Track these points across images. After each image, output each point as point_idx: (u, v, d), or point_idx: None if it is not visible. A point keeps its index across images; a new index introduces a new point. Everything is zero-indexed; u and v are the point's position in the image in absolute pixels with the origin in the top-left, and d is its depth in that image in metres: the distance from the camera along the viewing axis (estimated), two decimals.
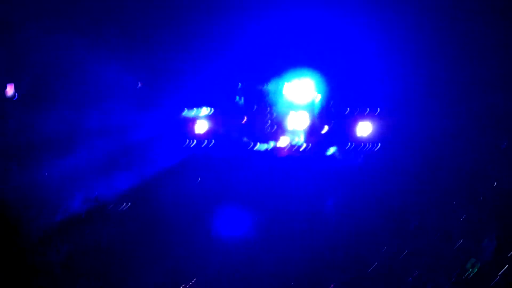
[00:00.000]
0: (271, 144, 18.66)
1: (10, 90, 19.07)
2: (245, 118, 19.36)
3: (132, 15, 16.30)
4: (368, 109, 17.61)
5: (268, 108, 19.12)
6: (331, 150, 18.07)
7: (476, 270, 8.77)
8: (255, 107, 19.11)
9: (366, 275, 9.04)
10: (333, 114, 18.27)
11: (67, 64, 16.61)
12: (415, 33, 15.93)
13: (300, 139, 18.74)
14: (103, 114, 16.49)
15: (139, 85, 20.81)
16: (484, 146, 13.92)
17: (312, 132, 18.60)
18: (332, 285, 7.96)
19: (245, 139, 19.74)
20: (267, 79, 18.66)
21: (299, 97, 19.18)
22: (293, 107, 18.69)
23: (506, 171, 12.67)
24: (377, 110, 17.57)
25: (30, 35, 15.31)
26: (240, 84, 18.90)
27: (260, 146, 18.88)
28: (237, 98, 19.09)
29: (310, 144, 18.29)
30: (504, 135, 13.62)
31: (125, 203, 14.22)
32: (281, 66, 18.36)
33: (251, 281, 8.88)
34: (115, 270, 9.64)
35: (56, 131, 15.49)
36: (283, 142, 18.65)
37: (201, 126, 19.69)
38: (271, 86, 19.07)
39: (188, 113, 19.72)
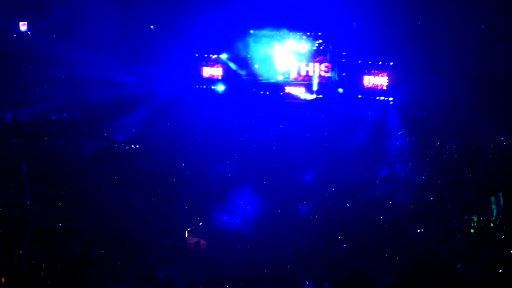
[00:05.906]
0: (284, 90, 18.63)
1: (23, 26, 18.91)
2: (257, 66, 19.29)
3: None
4: (380, 62, 17.44)
5: (279, 57, 18.99)
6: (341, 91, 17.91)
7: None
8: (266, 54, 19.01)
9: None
10: (345, 65, 18.14)
11: None
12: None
13: (311, 88, 18.66)
14: None
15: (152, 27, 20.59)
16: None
17: (323, 81, 18.50)
18: None
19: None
20: (277, 29, 18.50)
21: (308, 48, 18.99)
22: (305, 57, 18.59)
23: None
24: (391, 64, 17.41)
25: None
26: (252, 31, 18.75)
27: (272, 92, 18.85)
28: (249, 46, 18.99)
29: (321, 95, 18.26)
30: None
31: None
32: (287, 17, 18.21)
33: None
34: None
35: None
36: (294, 90, 18.60)
37: (215, 70, 19.70)
38: (282, 37, 18.87)
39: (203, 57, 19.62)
